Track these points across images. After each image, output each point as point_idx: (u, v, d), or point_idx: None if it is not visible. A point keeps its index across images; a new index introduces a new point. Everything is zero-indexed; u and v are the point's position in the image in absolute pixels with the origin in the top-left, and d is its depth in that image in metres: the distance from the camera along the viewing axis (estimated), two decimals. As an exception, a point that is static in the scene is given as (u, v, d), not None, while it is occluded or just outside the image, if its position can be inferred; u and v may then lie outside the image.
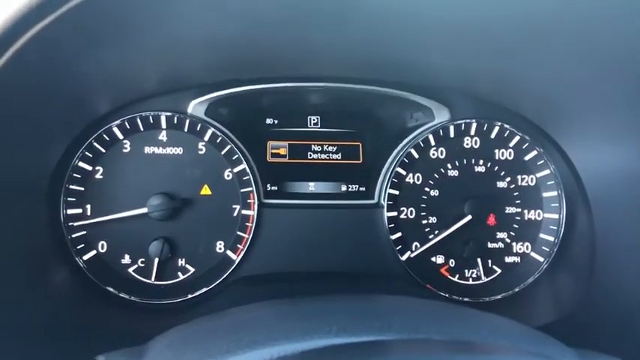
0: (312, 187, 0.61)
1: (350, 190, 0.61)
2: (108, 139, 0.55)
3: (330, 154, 0.63)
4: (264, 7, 0.44)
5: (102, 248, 0.55)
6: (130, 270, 0.56)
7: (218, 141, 0.57)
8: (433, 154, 0.58)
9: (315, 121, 0.64)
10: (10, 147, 0.46)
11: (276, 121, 0.62)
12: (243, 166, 0.57)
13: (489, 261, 0.59)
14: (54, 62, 0.42)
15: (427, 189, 0.58)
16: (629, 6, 0.37)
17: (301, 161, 0.62)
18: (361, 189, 0.60)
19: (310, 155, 0.62)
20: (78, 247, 0.55)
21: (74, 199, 0.55)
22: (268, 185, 0.59)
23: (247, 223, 0.57)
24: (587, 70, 0.47)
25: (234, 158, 0.57)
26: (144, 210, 0.54)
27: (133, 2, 0.37)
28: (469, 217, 0.56)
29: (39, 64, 0.40)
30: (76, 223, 0.55)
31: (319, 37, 0.52)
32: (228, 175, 0.57)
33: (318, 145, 0.62)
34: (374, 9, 0.45)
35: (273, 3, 0.44)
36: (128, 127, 0.56)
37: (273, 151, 0.62)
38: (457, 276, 0.58)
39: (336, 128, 0.62)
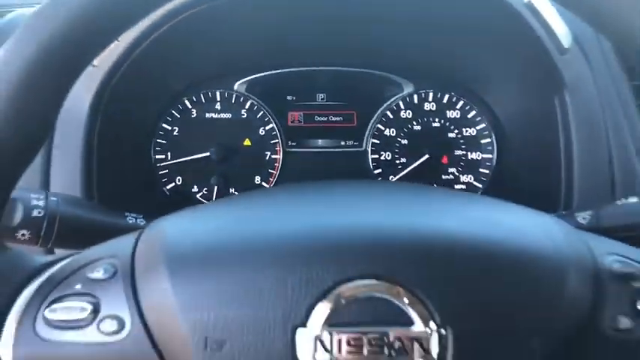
0: (320, 142, 0.86)
1: (347, 143, 0.86)
2: (181, 108, 0.82)
3: (333, 120, 0.89)
4: (291, 17, 0.70)
5: (179, 181, 0.82)
6: (198, 196, 0.82)
7: (254, 109, 0.82)
8: (403, 115, 0.83)
9: (322, 97, 0.89)
10: (129, 108, 0.72)
11: (294, 98, 0.87)
12: (272, 125, 0.83)
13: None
14: (170, 54, 0.68)
15: (399, 139, 0.83)
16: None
17: (312, 125, 0.86)
18: (355, 143, 0.85)
19: (318, 120, 0.88)
20: (163, 180, 0.82)
21: (160, 149, 0.82)
22: (289, 142, 0.85)
23: (275, 164, 0.82)
24: (499, 54, 0.72)
25: (265, 120, 0.83)
26: (207, 154, 0.81)
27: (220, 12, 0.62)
28: (427, 156, 0.82)
29: (160, 56, 0.67)
30: (161, 164, 0.82)
31: (326, 35, 0.78)
32: (262, 132, 0.83)
33: (324, 114, 0.88)
34: (365, 16, 0.71)
35: (296, 15, 0.70)
36: (194, 99, 0.82)
37: (292, 118, 0.88)
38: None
39: (337, 101, 0.87)
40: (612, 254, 0.39)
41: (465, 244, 0.36)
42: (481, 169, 0.82)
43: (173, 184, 0.80)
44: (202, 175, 0.80)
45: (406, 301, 0.34)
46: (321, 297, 0.34)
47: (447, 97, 0.82)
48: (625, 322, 0.36)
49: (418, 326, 0.34)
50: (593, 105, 0.63)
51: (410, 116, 0.83)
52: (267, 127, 0.82)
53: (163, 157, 0.80)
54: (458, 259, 0.36)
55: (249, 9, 0.67)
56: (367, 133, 0.83)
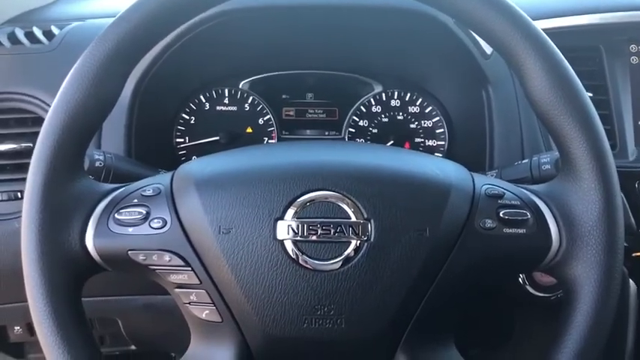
0: (308, 132, 1.06)
1: (329, 133, 1.06)
2: (197, 102, 1.02)
3: (319, 115, 1.09)
4: (285, 29, 0.91)
5: (194, 160, 1.02)
6: (209, 172, 1.02)
7: (255, 103, 1.02)
8: (373, 109, 1.03)
9: (311, 95, 1.07)
10: (158, 98, 0.93)
11: (288, 96, 1.07)
12: (269, 116, 1.03)
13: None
14: (189, 58, 0.89)
15: (370, 128, 1.02)
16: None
17: (302, 119, 1.05)
18: (336, 133, 1.06)
19: (307, 115, 1.08)
20: (182, 159, 1.02)
21: (179, 134, 1.01)
22: (283, 131, 1.05)
23: (271, 148, 1.03)
24: (439, 59, 0.93)
25: (264, 112, 1.03)
26: (217, 138, 1.02)
27: (230, 24, 0.84)
28: (392, 142, 1.02)
29: (182, 60, 0.88)
30: (180, 146, 1.02)
31: (313, 44, 0.97)
32: (261, 122, 1.02)
33: (312, 109, 1.08)
34: (338, 25, 0.92)
35: (288, 26, 0.91)
36: (207, 95, 1.02)
37: (285, 113, 1.06)
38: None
39: (322, 99, 1.07)
40: (488, 184, 0.60)
41: (383, 168, 0.57)
42: (436, 154, 1.03)
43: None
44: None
45: (346, 203, 0.55)
46: (293, 201, 0.55)
47: (408, 95, 1.03)
48: (490, 223, 0.56)
49: (353, 218, 0.54)
50: (511, 99, 0.84)
51: (379, 110, 1.03)
52: (265, 118, 1.03)
53: (182, 140, 1.01)
54: (379, 177, 0.56)
55: (253, 22, 0.88)
56: (345, 123, 1.04)
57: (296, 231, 0.52)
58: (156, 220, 0.54)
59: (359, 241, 0.53)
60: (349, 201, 0.54)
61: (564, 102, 0.54)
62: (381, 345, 0.55)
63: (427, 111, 1.02)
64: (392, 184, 0.56)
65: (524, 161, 0.72)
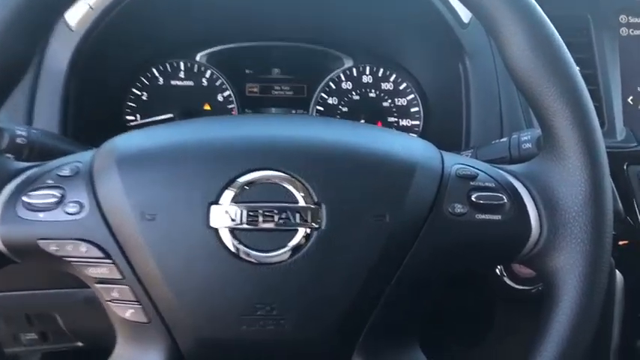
0: (273, 110, 0.98)
1: (296, 112, 0.99)
2: (149, 75, 0.93)
3: (286, 92, 1.01)
4: None
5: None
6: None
7: (214, 77, 0.94)
8: (343, 86, 0.95)
9: (277, 71, 1.00)
10: (103, 72, 0.84)
11: (252, 71, 0.99)
12: (229, 92, 0.95)
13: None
14: (138, 23, 0.80)
15: (340, 107, 0.95)
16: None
17: (268, 96, 0.97)
18: (304, 111, 0.98)
19: (273, 92, 1.00)
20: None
21: (130, 111, 0.92)
22: (245, 109, 0.97)
23: (232, 126, 0.95)
24: (413, 31, 0.85)
25: (223, 87, 0.95)
26: (170, 115, 0.93)
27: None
28: (362, 121, 0.94)
29: (129, 25, 0.79)
30: (130, 124, 0.93)
31: (279, 13, 0.89)
32: (220, 98, 0.94)
33: (278, 85, 1.00)
34: None
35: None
36: (161, 68, 0.93)
37: (249, 89, 0.99)
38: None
39: (290, 75, 1.00)
40: (459, 164, 0.52)
41: (338, 145, 0.49)
42: (410, 134, 0.95)
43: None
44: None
45: (293, 185, 0.47)
46: (230, 183, 0.47)
47: (381, 70, 0.95)
48: (460, 208, 0.49)
49: (301, 203, 0.46)
50: (490, 72, 0.76)
51: (350, 87, 0.95)
52: (225, 94, 0.94)
53: (133, 118, 0.92)
54: (332, 155, 0.48)
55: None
56: (313, 101, 0.95)
57: (234, 218, 0.44)
58: (71, 205, 0.47)
59: (308, 229, 0.45)
60: (297, 182, 0.46)
61: (547, 67, 0.46)
62: (332, 349, 0.47)
63: (401, 88, 0.94)
64: (348, 163, 0.48)
65: (502, 140, 0.65)
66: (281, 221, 0.46)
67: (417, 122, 0.95)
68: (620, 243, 0.73)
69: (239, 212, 0.46)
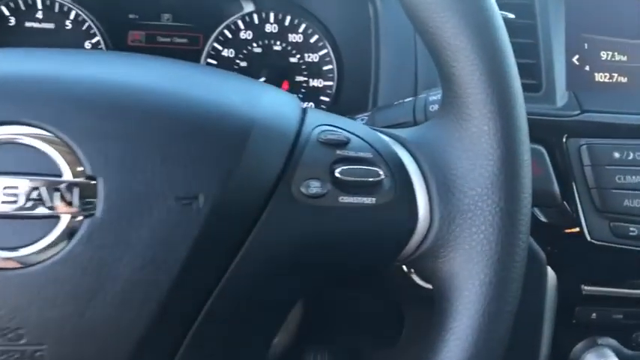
0: (158, 64, 0.81)
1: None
2: (-2, 15, 0.75)
3: (177, 42, 0.84)
4: None
5: None
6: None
7: (80, 19, 0.77)
8: (242, 36, 0.79)
9: (168, 17, 0.84)
10: None
11: (137, 16, 0.82)
12: (98, 38, 0.77)
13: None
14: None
15: (238, 61, 0.79)
16: None
17: (154, 46, 0.82)
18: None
19: (160, 40, 0.83)
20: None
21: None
22: (127, 62, 0.80)
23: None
24: None
25: (91, 33, 0.77)
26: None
27: None
28: (263, 78, 0.78)
29: None
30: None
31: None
32: (88, 46, 0.77)
33: (167, 34, 0.83)
34: None
35: None
36: (13, 6, 0.75)
37: (132, 38, 0.82)
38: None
39: (183, 23, 0.83)
40: (325, 125, 0.37)
41: (133, 92, 0.33)
42: (322, 97, 0.79)
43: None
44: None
45: (56, 149, 0.31)
46: None
47: (288, 18, 0.79)
48: (317, 187, 0.34)
49: (66, 175, 0.30)
50: (405, 17, 0.61)
51: (250, 37, 0.79)
52: (94, 41, 0.77)
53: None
54: (121, 106, 0.32)
55: None
56: (204, 53, 0.79)
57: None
58: None
59: (75, 217, 0.30)
60: (61, 145, 0.30)
61: None
62: None
63: (312, 41, 0.78)
64: (143, 119, 0.32)
65: (406, 100, 0.50)
66: (29, 203, 0.30)
67: (330, 83, 0.79)
68: (567, 231, 0.60)
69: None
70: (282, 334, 0.60)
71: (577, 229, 0.57)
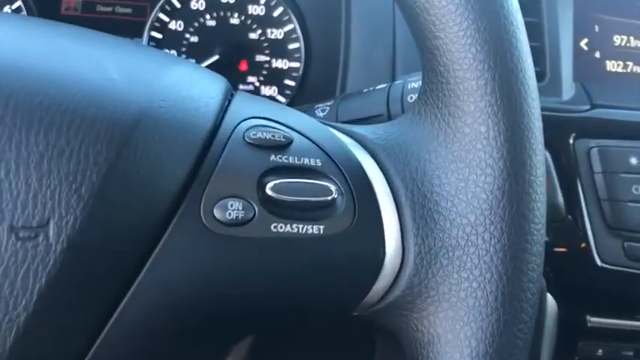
0: (100, 37, 0.69)
1: (133, 39, 0.70)
2: None
3: (120, 12, 0.72)
4: None
5: None
6: None
7: (2, -18, 0.65)
8: (194, 6, 0.68)
9: (110, -18, 0.72)
10: None
11: (72, -18, 0.70)
12: (20, 3, 0.65)
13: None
14: None
15: (187, 35, 0.68)
16: None
17: (91, 16, 0.70)
18: (141, 39, 0.70)
19: (100, 9, 0.71)
20: None
21: None
22: (59, 33, 0.68)
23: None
24: None
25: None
26: None
27: None
28: (216, 57, 0.67)
29: None
30: None
31: None
32: (7, 10, 0.65)
33: (109, 2, 0.71)
34: None
35: None
36: None
37: (66, 6, 0.70)
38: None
39: (127, -9, 0.71)
40: (256, 118, 0.26)
41: None
42: (286, 81, 0.68)
43: None
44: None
45: None
46: None
47: (248, -14, 0.67)
48: (238, 211, 0.23)
49: None
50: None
51: (202, 8, 0.67)
52: (14, 6, 0.64)
53: None
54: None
55: None
56: (148, 25, 0.67)
57: None
58: None
59: None
60: None
61: None
62: None
63: (276, 14, 0.67)
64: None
65: (379, 87, 0.39)
66: None
67: (297, 64, 0.68)
68: (556, 249, 0.50)
69: None
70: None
71: (584, 249, 0.47)
